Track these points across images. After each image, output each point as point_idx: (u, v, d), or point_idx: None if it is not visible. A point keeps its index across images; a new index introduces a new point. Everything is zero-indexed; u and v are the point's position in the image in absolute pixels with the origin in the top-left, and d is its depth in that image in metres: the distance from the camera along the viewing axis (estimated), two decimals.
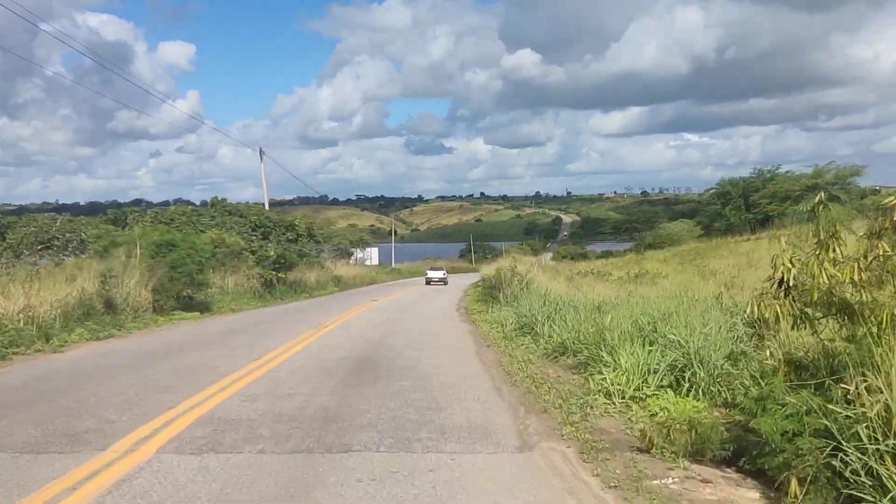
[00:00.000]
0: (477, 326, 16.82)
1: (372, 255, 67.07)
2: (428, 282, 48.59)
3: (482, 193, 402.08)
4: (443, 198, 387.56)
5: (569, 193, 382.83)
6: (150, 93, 63.80)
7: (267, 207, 35.65)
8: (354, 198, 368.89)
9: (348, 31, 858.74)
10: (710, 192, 42.13)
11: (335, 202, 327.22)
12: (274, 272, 27.75)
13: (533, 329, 13.32)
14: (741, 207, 41.35)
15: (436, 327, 16.95)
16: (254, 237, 30.87)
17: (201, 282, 20.30)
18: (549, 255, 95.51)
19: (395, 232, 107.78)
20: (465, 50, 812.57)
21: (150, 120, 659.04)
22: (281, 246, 31.10)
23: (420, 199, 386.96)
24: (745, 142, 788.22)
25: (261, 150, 36.15)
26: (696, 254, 33.46)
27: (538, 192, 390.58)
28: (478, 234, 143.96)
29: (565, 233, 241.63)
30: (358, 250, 61.73)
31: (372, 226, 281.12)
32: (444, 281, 48.84)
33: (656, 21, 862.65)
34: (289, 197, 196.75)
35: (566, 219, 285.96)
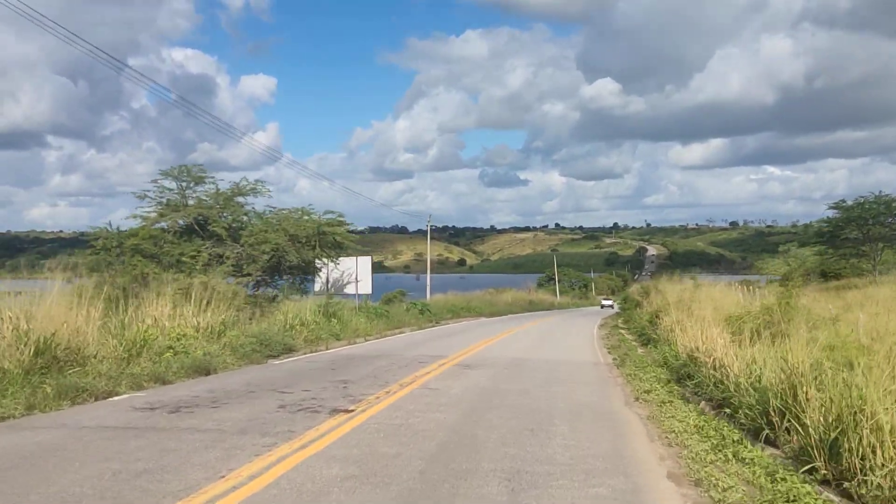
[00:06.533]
0: None
1: (360, 275, 29.10)
2: (602, 306, 66.81)
3: (557, 224, 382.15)
4: (516, 228, 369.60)
5: (648, 225, 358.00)
6: (230, 127, 51.50)
7: None
8: (424, 228, 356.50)
9: (426, 64, 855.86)
10: None
11: (403, 231, 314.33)
12: None
13: None
14: None
15: None
16: None
17: None
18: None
19: (463, 261, 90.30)
20: (543, 81, 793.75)
21: (231, 152, 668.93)
22: None
23: (492, 230, 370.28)
24: (831, 175, 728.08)
25: None
26: None
27: (616, 224, 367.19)
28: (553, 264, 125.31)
29: (652, 264, 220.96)
30: (329, 264, 26.26)
31: (439, 255, 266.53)
32: (612, 306, 61.89)
33: (742, 50, 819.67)
34: (360, 227, 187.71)
35: (651, 250, 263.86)
